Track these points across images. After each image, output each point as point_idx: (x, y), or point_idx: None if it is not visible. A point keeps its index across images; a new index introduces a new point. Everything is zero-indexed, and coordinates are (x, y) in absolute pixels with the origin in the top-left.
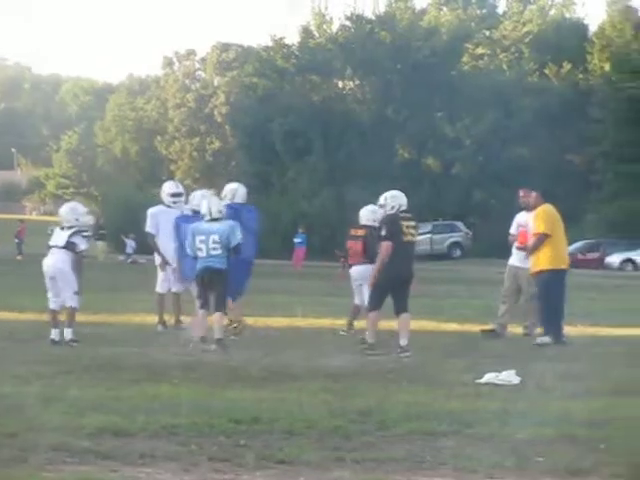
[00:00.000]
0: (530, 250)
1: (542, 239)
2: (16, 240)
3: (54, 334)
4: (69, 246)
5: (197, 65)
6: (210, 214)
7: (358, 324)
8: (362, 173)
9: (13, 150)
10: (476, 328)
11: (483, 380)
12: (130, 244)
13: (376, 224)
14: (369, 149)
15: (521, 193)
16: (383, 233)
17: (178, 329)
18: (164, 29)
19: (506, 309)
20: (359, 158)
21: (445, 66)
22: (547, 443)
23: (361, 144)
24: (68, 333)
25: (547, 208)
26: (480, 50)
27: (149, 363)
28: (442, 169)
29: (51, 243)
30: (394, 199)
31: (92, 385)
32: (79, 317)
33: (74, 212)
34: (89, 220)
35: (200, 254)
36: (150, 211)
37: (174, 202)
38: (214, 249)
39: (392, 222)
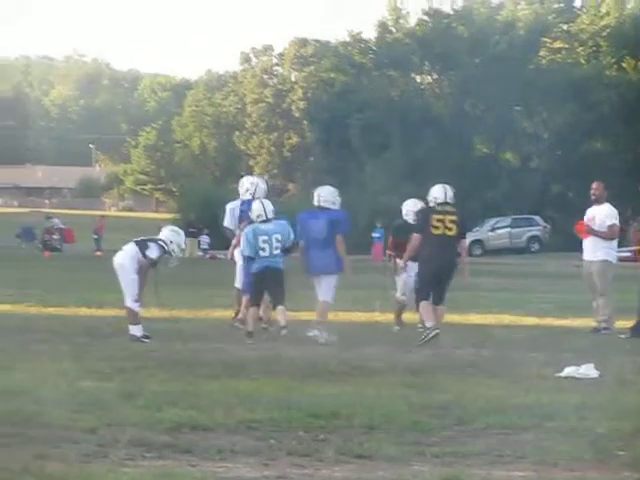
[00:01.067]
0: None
1: None
2: (94, 236)
3: (134, 330)
4: (141, 246)
5: (275, 60)
6: (265, 215)
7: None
8: (440, 168)
9: (91, 146)
10: (555, 322)
11: (563, 374)
12: (204, 240)
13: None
14: (447, 144)
15: (594, 185)
16: (415, 225)
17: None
18: (242, 25)
19: (596, 304)
20: (437, 153)
21: (522, 60)
22: (627, 437)
23: (439, 139)
24: (132, 330)
25: None
26: (557, 44)
27: (227, 358)
28: (520, 163)
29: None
30: (431, 193)
31: (170, 380)
32: (158, 313)
33: (173, 235)
34: (178, 250)
35: (263, 253)
36: (228, 206)
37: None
38: (276, 248)
39: (422, 216)
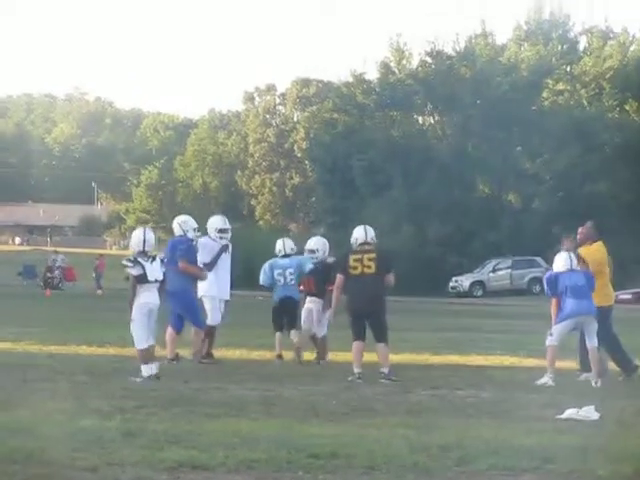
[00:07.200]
0: None
1: None
2: (94, 274)
3: (146, 370)
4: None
5: (277, 100)
6: (284, 251)
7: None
8: (442, 208)
9: (94, 184)
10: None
11: (564, 416)
12: None
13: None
14: (449, 184)
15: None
16: (336, 267)
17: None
18: (245, 64)
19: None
20: (439, 193)
21: (525, 101)
22: (627, 479)
23: (441, 179)
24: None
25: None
26: (560, 86)
27: (228, 398)
28: (522, 204)
29: (150, 278)
30: (353, 234)
31: (171, 419)
32: (160, 351)
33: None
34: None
35: (279, 284)
36: (201, 241)
37: (220, 237)
38: (291, 280)
39: (340, 258)
